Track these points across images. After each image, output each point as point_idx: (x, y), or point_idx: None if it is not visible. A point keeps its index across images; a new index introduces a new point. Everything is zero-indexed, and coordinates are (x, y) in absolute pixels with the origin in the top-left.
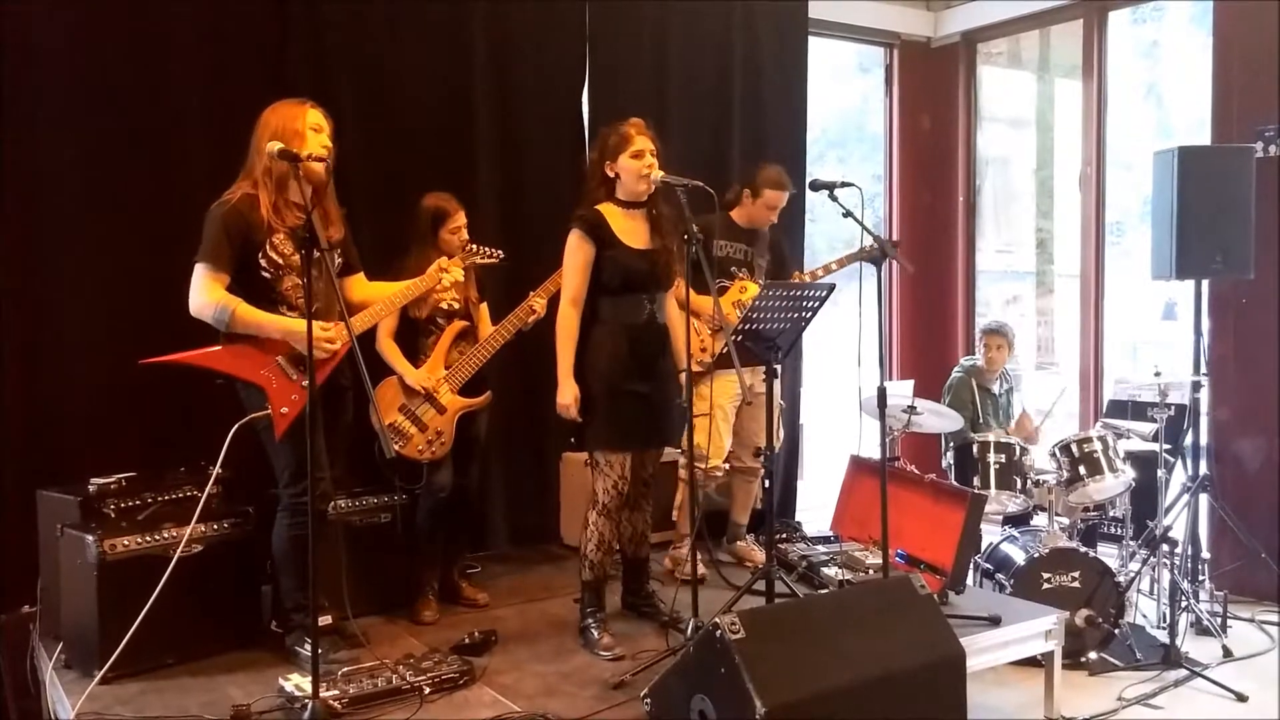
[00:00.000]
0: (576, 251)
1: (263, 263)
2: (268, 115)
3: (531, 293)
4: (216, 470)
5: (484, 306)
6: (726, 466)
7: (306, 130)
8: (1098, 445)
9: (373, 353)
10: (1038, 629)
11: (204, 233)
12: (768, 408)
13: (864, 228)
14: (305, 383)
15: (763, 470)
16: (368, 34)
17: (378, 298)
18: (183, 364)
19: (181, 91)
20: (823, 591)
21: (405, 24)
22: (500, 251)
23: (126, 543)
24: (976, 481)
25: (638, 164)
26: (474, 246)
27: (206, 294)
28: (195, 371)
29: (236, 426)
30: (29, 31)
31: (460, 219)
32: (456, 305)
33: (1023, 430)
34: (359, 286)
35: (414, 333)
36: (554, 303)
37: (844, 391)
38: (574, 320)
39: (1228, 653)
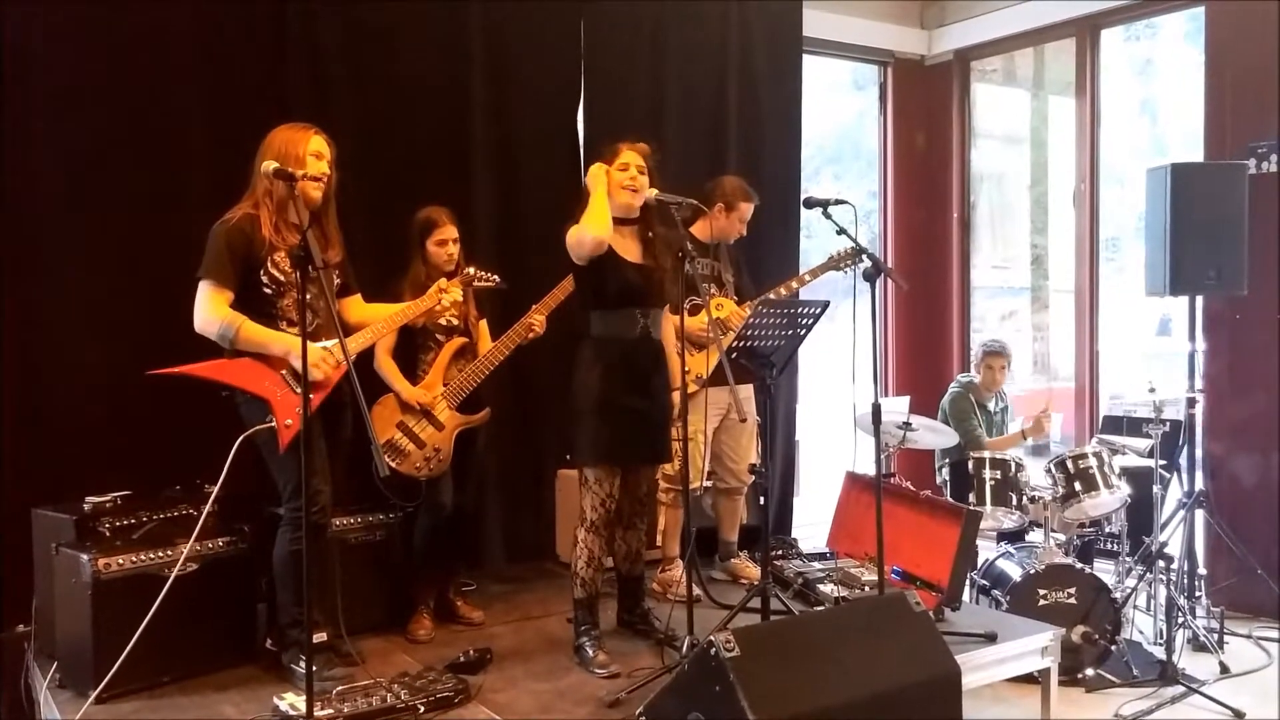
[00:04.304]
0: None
1: (264, 279)
2: (271, 137)
3: (533, 306)
4: (217, 489)
5: (483, 323)
6: (707, 485)
7: (307, 155)
8: (1093, 461)
9: (371, 371)
10: (1034, 645)
11: (207, 250)
12: (765, 424)
13: (857, 245)
14: (311, 395)
15: (746, 487)
16: (365, 50)
17: (375, 318)
18: (186, 377)
19: (180, 106)
20: (818, 608)
21: (402, 41)
22: (497, 277)
23: (121, 561)
24: (972, 498)
25: (620, 176)
26: (472, 270)
27: (211, 311)
28: (192, 389)
29: (239, 440)
30: (29, 41)
31: (449, 232)
32: (455, 321)
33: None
34: (357, 308)
35: (412, 348)
36: (557, 314)
37: (839, 408)
38: None
39: (1225, 669)
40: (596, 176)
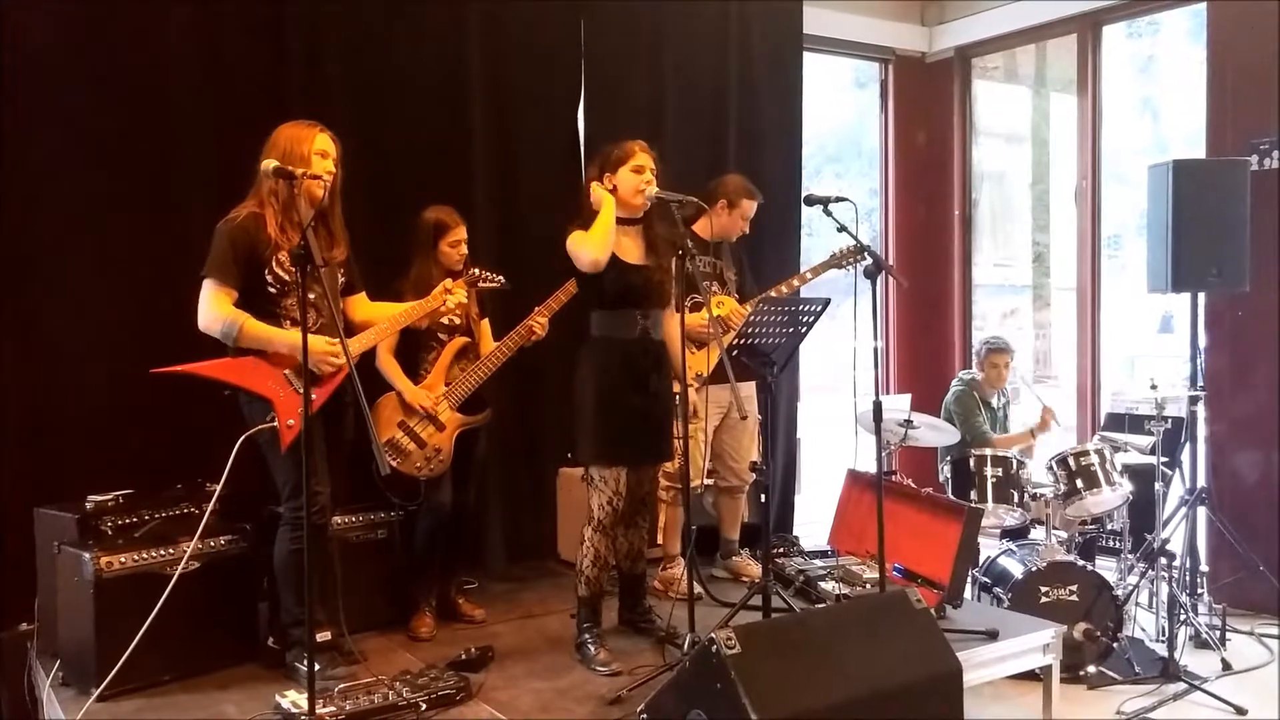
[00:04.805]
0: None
1: (268, 278)
2: (276, 135)
3: (536, 308)
4: (219, 488)
5: (485, 323)
6: (708, 483)
7: (312, 154)
8: (1095, 458)
9: (373, 369)
10: (1036, 643)
11: (211, 249)
12: (766, 422)
13: (858, 242)
14: (313, 395)
15: (747, 485)
16: (364, 50)
17: (379, 318)
18: (188, 376)
19: (180, 107)
20: (819, 606)
21: (402, 41)
22: (502, 277)
23: (124, 560)
24: (974, 495)
25: (636, 178)
26: (477, 271)
27: (215, 309)
28: (195, 388)
29: (241, 439)
30: (29, 41)
31: (460, 233)
32: (458, 321)
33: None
34: (361, 306)
35: (414, 348)
36: (558, 315)
37: (840, 405)
38: None
39: (1226, 666)
40: (604, 199)
